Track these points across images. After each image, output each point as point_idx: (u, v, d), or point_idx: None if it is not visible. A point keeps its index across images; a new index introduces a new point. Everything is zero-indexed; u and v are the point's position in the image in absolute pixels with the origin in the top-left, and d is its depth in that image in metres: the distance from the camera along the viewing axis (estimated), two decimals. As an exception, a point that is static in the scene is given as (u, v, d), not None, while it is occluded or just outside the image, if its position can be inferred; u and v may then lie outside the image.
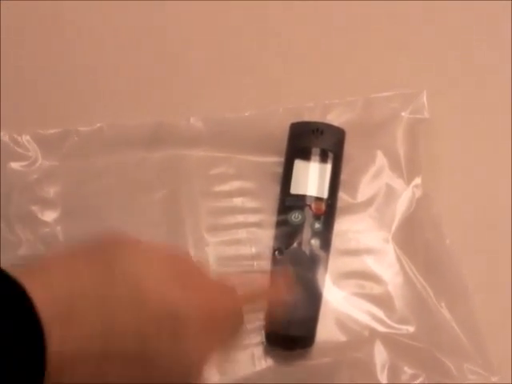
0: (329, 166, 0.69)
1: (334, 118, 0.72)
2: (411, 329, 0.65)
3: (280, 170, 0.71)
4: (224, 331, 0.55)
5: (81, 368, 0.46)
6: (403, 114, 0.73)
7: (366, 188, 0.71)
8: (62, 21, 0.80)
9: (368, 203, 0.70)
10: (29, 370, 0.43)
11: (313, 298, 0.65)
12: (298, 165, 0.69)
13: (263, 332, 0.64)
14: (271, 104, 0.73)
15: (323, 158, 0.69)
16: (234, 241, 0.69)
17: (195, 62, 0.78)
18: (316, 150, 0.70)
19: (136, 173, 0.71)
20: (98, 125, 0.72)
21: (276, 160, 0.71)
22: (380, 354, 0.63)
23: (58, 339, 0.44)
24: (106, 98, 0.76)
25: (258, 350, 0.64)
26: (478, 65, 0.77)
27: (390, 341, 0.64)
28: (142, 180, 0.71)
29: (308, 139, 0.70)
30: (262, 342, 0.64)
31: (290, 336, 0.64)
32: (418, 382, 0.63)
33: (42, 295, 0.44)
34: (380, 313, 0.65)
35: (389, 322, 0.65)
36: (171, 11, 0.80)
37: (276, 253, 0.67)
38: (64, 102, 0.76)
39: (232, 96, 0.76)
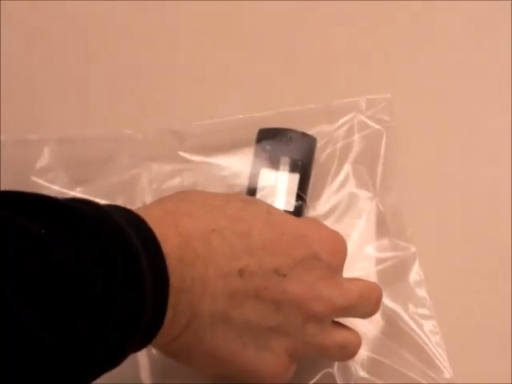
0: (297, 177, 0.66)
1: (296, 127, 0.68)
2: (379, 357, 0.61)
3: (243, 181, 0.67)
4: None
5: (219, 290, 0.48)
6: (368, 120, 0.70)
7: (328, 200, 0.67)
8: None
9: (331, 216, 0.67)
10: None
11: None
12: (265, 175, 0.66)
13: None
14: (228, 112, 0.70)
15: (292, 168, 0.66)
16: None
17: (146, 69, 0.74)
18: (285, 159, 0.66)
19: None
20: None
21: (238, 170, 0.68)
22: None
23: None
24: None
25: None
26: (446, 68, 0.75)
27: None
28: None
29: (277, 147, 0.66)
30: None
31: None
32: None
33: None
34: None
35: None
36: (117, 18, 0.77)
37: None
38: (10, 115, 0.70)
39: (188, 105, 0.72)
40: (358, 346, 0.57)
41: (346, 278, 0.56)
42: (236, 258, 0.49)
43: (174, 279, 0.45)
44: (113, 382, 0.50)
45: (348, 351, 0.56)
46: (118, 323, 0.41)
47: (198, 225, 0.49)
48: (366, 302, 0.56)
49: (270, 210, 0.53)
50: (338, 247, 0.55)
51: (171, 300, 0.45)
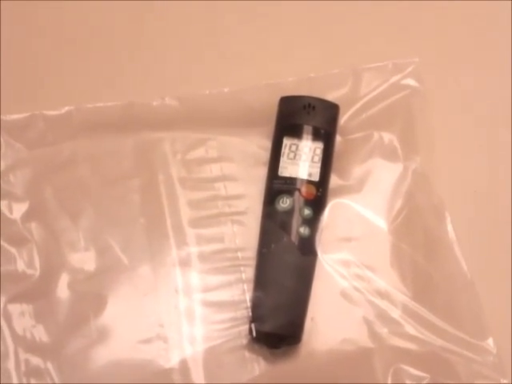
0: (321, 145, 0.64)
1: (321, 93, 0.66)
2: (415, 324, 0.60)
3: (265, 151, 0.65)
4: None
5: None
6: (395, 85, 0.68)
7: (357, 168, 0.66)
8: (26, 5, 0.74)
9: (361, 185, 0.65)
10: None
11: (301, 293, 0.61)
12: (288, 143, 0.64)
13: (250, 329, 0.60)
14: (250, 79, 0.68)
15: (315, 137, 0.64)
16: (217, 233, 0.64)
17: (167, 37, 0.73)
18: (308, 128, 0.64)
19: (109, 160, 0.65)
20: (66, 108, 0.66)
21: (261, 140, 0.66)
22: (381, 355, 0.59)
23: None
24: (72, 79, 0.70)
25: (250, 352, 0.60)
26: (475, 31, 0.73)
27: (392, 340, 0.60)
28: (117, 167, 0.65)
29: (299, 115, 0.65)
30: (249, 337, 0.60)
31: (277, 334, 0.59)
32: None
33: None
34: (380, 308, 0.61)
35: (391, 316, 0.61)
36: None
37: (262, 247, 0.62)
38: (28, 84, 0.70)
39: (208, 72, 0.71)
40: None
41: None
42: None
43: None
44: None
45: None
46: None
47: None
48: None
49: None
50: None
51: None
